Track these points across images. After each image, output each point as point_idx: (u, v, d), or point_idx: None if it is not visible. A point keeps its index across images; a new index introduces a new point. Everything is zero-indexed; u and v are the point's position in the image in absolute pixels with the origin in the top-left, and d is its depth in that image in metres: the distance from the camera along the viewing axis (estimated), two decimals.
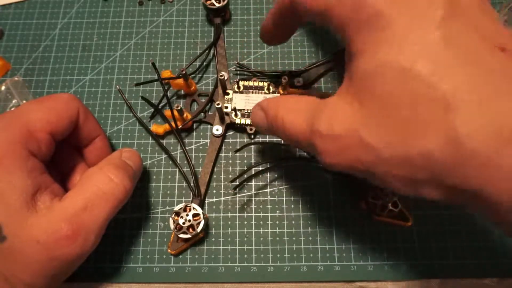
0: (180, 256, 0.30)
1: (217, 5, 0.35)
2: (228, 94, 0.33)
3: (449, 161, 0.14)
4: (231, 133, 0.34)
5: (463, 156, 0.14)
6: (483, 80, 0.14)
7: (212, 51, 0.36)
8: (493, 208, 0.14)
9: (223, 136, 0.33)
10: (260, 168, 0.32)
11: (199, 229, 0.28)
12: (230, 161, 0.33)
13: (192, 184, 0.31)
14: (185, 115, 0.32)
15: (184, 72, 0.31)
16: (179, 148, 0.33)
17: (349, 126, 0.17)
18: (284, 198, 0.31)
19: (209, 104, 0.34)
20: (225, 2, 0.35)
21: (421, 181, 0.16)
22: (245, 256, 0.30)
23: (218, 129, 0.33)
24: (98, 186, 0.24)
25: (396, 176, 0.16)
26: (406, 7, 0.16)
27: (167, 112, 0.32)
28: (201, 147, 0.33)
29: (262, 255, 0.30)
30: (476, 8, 0.16)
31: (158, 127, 0.33)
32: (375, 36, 0.17)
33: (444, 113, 0.14)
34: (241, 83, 0.33)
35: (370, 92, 0.17)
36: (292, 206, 0.31)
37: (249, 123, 0.32)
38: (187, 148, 0.33)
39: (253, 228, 0.31)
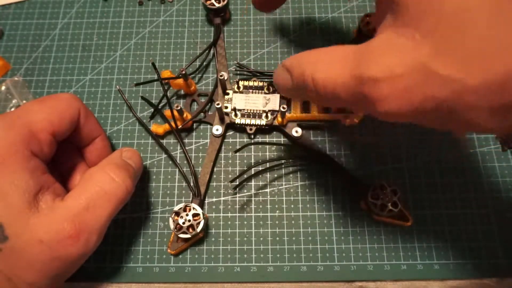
0: (180, 256, 0.30)
1: (217, 5, 0.35)
2: (228, 94, 0.33)
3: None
4: (231, 133, 0.34)
5: None
6: None
7: (212, 51, 0.36)
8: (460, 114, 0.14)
9: (223, 136, 0.33)
10: (260, 168, 0.32)
11: (199, 229, 0.28)
12: (230, 161, 0.33)
13: (192, 184, 0.31)
14: (185, 115, 0.32)
15: (184, 72, 0.31)
16: (179, 148, 0.33)
17: (413, 62, 0.15)
18: (284, 198, 0.31)
19: (209, 104, 0.34)
20: (225, 2, 0.35)
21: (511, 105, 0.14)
22: (245, 256, 0.30)
23: (218, 129, 0.33)
24: (100, 186, 0.24)
25: (484, 105, 0.14)
26: None
27: (167, 112, 0.32)
28: (201, 147, 0.33)
29: (262, 255, 0.30)
30: None
31: (158, 127, 0.33)
32: None
33: None
34: (241, 83, 0.33)
35: (436, 13, 0.14)
36: (292, 206, 0.31)
37: (249, 123, 0.32)
38: (187, 148, 0.33)
39: (253, 228, 0.31)
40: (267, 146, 0.33)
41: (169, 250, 0.30)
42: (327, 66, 0.18)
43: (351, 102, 0.17)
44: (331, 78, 0.17)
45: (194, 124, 0.34)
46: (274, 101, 0.32)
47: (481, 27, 0.13)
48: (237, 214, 0.31)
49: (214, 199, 0.32)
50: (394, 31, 0.16)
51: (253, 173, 0.32)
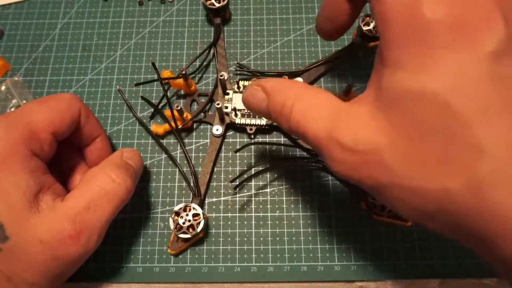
0: (180, 256, 0.30)
1: (217, 5, 0.35)
2: (228, 94, 0.33)
3: (465, 204, 0.14)
4: (231, 133, 0.34)
5: (481, 204, 0.13)
6: None
7: (212, 51, 0.36)
8: (500, 258, 0.14)
9: (223, 136, 0.33)
10: (260, 168, 0.32)
11: (199, 229, 0.28)
12: (230, 161, 0.33)
13: (192, 184, 0.31)
14: (185, 115, 0.32)
15: (184, 72, 0.31)
16: (179, 148, 0.33)
17: (373, 145, 0.16)
18: (284, 198, 0.31)
19: (209, 104, 0.34)
20: (225, 2, 0.35)
21: (429, 214, 0.15)
22: (245, 256, 0.30)
23: (218, 129, 0.33)
24: (100, 186, 0.24)
25: (406, 203, 0.16)
26: (461, 28, 0.15)
27: (167, 112, 0.32)
28: (201, 147, 0.33)
29: (262, 255, 0.30)
30: None
31: (158, 127, 0.33)
32: (425, 53, 0.15)
33: (473, 158, 0.14)
34: (241, 83, 0.33)
35: (403, 115, 0.15)
36: (292, 206, 0.31)
37: (249, 123, 0.32)
38: (187, 148, 0.33)
39: (253, 228, 0.31)
40: (267, 146, 0.33)
41: (169, 250, 0.30)
42: (309, 108, 0.19)
43: (313, 146, 0.19)
44: (309, 122, 0.19)
45: (194, 124, 0.34)
46: None
47: (432, 145, 0.15)
48: (237, 214, 0.31)
49: (214, 199, 0.32)
50: (370, 107, 0.17)
51: (253, 173, 0.32)
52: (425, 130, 0.15)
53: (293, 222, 0.31)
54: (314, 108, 0.19)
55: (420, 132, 0.15)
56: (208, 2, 0.35)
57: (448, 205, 0.14)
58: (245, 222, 0.31)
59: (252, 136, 0.33)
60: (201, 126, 0.34)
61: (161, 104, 0.34)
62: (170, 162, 0.33)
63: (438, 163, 0.14)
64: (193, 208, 0.29)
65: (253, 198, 0.32)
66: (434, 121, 0.14)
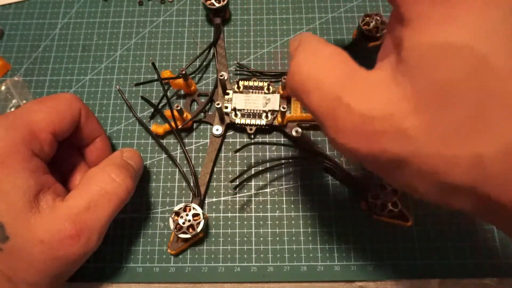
0: (180, 256, 0.30)
1: (217, 5, 0.35)
2: (228, 94, 0.33)
3: (499, 171, 0.12)
4: (231, 133, 0.34)
5: None
6: None
7: (212, 51, 0.36)
8: None
9: (223, 136, 0.33)
10: (260, 168, 0.32)
11: (199, 229, 0.28)
12: (230, 161, 0.33)
13: (192, 184, 0.31)
14: (185, 115, 0.32)
15: (184, 72, 0.31)
16: (179, 148, 0.33)
17: (394, 112, 0.14)
18: (284, 198, 0.31)
19: (209, 104, 0.34)
20: (225, 2, 0.35)
21: (456, 188, 0.14)
22: (245, 256, 0.30)
23: (218, 129, 0.33)
24: (100, 186, 0.24)
25: (429, 178, 0.14)
26: None
27: (167, 112, 0.32)
28: (201, 147, 0.33)
29: (262, 255, 0.30)
30: None
31: (158, 127, 0.33)
32: (447, 5, 0.13)
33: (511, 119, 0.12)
34: (241, 83, 0.33)
35: (430, 75, 0.13)
36: (292, 206, 0.31)
37: (249, 123, 0.32)
38: (187, 148, 0.33)
39: (253, 228, 0.31)
40: (267, 146, 0.33)
41: (169, 250, 0.30)
42: (320, 60, 0.17)
43: (314, 110, 0.16)
44: (312, 77, 0.16)
45: (194, 124, 0.34)
46: (274, 101, 0.32)
47: (464, 107, 0.13)
48: (237, 214, 0.31)
49: (214, 199, 0.32)
50: (393, 73, 0.15)
51: (253, 173, 0.32)
52: (457, 90, 0.13)
53: (293, 222, 0.31)
54: (324, 64, 0.16)
55: (451, 92, 0.13)
56: (208, 2, 0.35)
57: (480, 175, 0.13)
58: (245, 222, 0.31)
59: (252, 136, 0.33)
60: (201, 126, 0.34)
61: (161, 104, 0.34)
62: (170, 162, 0.33)
63: (471, 127, 0.13)
64: (193, 208, 0.29)
65: (253, 198, 0.32)
66: (467, 79, 0.13)
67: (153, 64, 0.31)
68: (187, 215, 0.28)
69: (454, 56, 0.13)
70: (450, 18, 0.13)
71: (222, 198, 0.32)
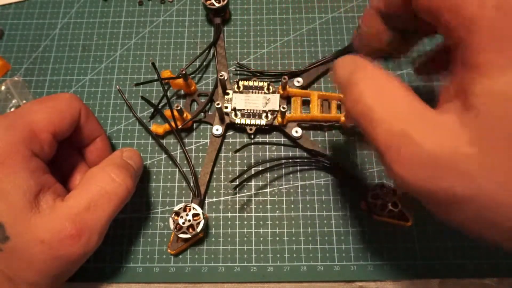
0: (180, 256, 0.30)
1: (217, 5, 0.35)
2: (228, 94, 0.33)
3: None
4: (231, 133, 0.34)
5: None
6: None
7: (212, 51, 0.36)
8: None
9: (223, 136, 0.33)
10: (260, 168, 0.32)
11: (199, 229, 0.28)
12: (230, 161, 0.33)
13: (192, 184, 0.31)
14: (185, 115, 0.32)
15: (184, 72, 0.31)
16: (179, 148, 0.33)
17: (460, 152, 0.14)
18: (284, 198, 0.31)
19: (209, 104, 0.34)
20: (225, 2, 0.35)
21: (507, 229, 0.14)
22: (245, 256, 0.30)
23: (218, 129, 0.33)
24: (101, 186, 0.24)
25: (488, 220, 0.14)
26: None
27: (167, 112, 0.32)
28: (201, 147, 0.33)
29: (262, 255, 0.30)
30: None
31: (158, 127, 0.33)
32: None
33: None
34: (241, 83, 0.33)
35: (501, 125, 0.14)
36: (292, 206, 0.31)
37: (249, 123, 0.32)
38: (187, 148, 0.33)
39: (253, 228, 0.31)
40: (267, 146, 0.33)
41: (169, 250, 0.30)
42: (383, 92, 0.17)
43: (377, 140, 0.16)
44: (378, 109, 0.16)
45: (194, 124, 0.34)
46: (274, 101, 0.32)
47: None
48: (237, 214, 0.31)
49: (214, 199, 0.32)
50: (461, 117, 0.15)
51: (253, 173, 0.32)
52: None
53: (293, 222, 0.31)
54: (390, 96, 0.16)
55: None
56: (208, 2, 0.35)
57: None
58: (245, 222, 0.31)
59: (252, 136, 0.33)
60: (201, 126, 0.34)
61: (161, 104, 0.34)
62: (170, 162, 0.33)
63: None
64: (193, 208, 0.29)
65: (253, 198, 0.32)
66: None
67: (153, 64, 0.31)
68: (187, 215, 0.28)
69: None
70: None
71: (222, 198, 0.32)
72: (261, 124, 0.32)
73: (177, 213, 0.28)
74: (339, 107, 0.33)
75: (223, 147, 0.33)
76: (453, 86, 0.16)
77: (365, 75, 0.18)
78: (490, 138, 0.14)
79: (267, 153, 0.33)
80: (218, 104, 0.31)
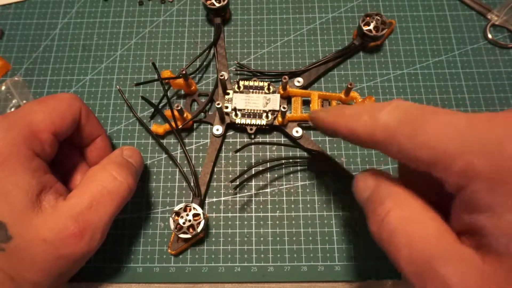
0: (180, 256, 0.30)
1: (217, 5, 0.35)
2: (228, 94, 0.33)
3: None
4: (231, 133, 0.34)
5: None
6: None
7: (212, 51, 0.36)
8: None
9: (223, 136, 0.33)
10: (260, 168, 0.32)
11: (199, 229, 0.28)
12: (230, 161, 0.33)
13: (192, 184, 0.31)
14: (185, 115, 0.32)
15: (184, 72, 0.31)
16: (179, 148, 0.33)
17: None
18: (284, 198, 0.31)
19: (209, 104, 0.34)
20: (225, 2, 0.35)
21: None
22: (245, 256, 0.30)
23: (218, 129, 0.33)
24: (102, 185, 0.24)
25: None
26: None
27: (167, 112, 0.32)
28: (201, 147, 0.33)
29: (262, 255, 0.30)
30: None
31: (158, 127, 0.33)
32: None
33: None
34: (241, 83, 0.33)
35: None
36: (292, 206, 0.31)
37: (250, 123, 0.32)
38: (187, 148, 0.33)
39: (253, 228, 0.31)
40: (267, 146, 0.33)
41: (169, 250, 0.30)
42: (411, 211, 0.16)
43: (405, 269, 0.16)
44: (407, 227, 0.16)
45: (195, 124, 0.34)
46: (274, 101, 0.32)
47: None
48: (237, 214, 0.31)
49: (214, 199, 0.32)
50: (481, 256, 0.14)
51: (253, 173, 0.32)
52: None
53: (293, 222, 0.31)
54: (416, 219, 0.16)
55: None
56: (208, 2, 0.35)
57: None
58: (245, 222, 0.31)
59: (252, 136, 0.33)
60: (201, 126, 0.34)
61: (161, 104, 0.34)
62: (170, 162, 0.33)
63: None
64: (193, 208, 0.29)
65: (253, 198, 0.32)
66: None
67: (153, 64, 0.31)
68: (187, 215, 0.28)
69: None
70: None
71: (222, 198, 0.32)
72: (262, 124, 0.32)
73: (178, 213, 0.28)
74: None
75: (223, 147, 0.33)
76: (459, 223, 0.16)
77: (390, 193, 0.17)
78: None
79: (268, 153, 0.33)
80: (218, 104, 0.31)
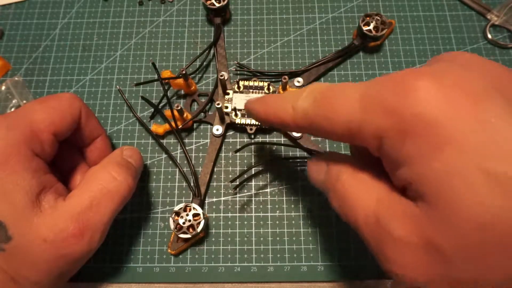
0: (180, 256, 0.30)
1: (217, 5, 0.35)
2: (228, 94, 0.33)
3: None
4: (231, 133, 0.34)
5: None
6: None
7: (212, 51, 0.36)
8: None
9: (223, 136, 0.33)
10: (260, 168, 0.32)
11: (199, 229, 0.28)
12: (230, 161, 0.33)
13: (192, 184, 0.31)
14: (185, 115, 0.32)
15: (184, 72, 0.31)
16: (179, 148, 0.33)
17: (429, 239, 0.14)
18: (284, 198, 0.31)
19: (209, 104, 0.34)
20: (225, 2, 0.35)
21: None
22: (245, 256, 0.30)
23: (218, 129, 0.33)
24: (102, 185, 0.24)
25: None
26: (453, 107, 0.13)
27: (167, 112, 0.32)
28: (201, 147, 0.33)
29: (262, 255, 0.30)
30: None
31: (158, 127, 0.33)
32: (433, 141, 0.13)
33: None
34: (241, 83, 0.33)
35: (454, 204, 0.13)
36: (292, 206, 0.31)
37: (249, 123, 0.32)
38: (187, 148, 0.33)
39: (253, 228, 0.31)
40: (267, 146, 0.33)
41: (169, 250, 0.30)
42: (361, 189, 0.17)
43: (363, 235, 0.17)
44: (357, 203, 0.17)
45: (194, 124, 0.34)
46: None
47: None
48: (237, 214, 0.31)
49: (214, 199, 0.32)
50: (419, 209, 0.15)
51: (253, 173, 0.32)
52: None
53: (293, 222, 0.31)
54: (366, 189, 0.17)
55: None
56: (208, 2, 0.35)
57: None
58: (245, 222, 0.31)
59: (252, 136, 0.33)
60: (201, 126, 0.34)
61: (161, 104, 0.34)
62: (170, 162, 0.33)
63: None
64: (193, 208, 0.29)
65: (253, 198, 0.32)
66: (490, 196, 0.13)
67: (153, 64, 0.31)
68: (187, 215, 0.28)
69: (465, 175, 0.13)
70: (447, 146, 0.13)
71: (222, 198, 0.32)
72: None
73: (177, 213, 0.28)
74: None
75: (223, 147, 0.33)
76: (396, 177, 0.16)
77: (343, 168, 0.19)
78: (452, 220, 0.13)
79: (267, 153, 0.33)
80: (218, 104, 0.31)
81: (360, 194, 0.17)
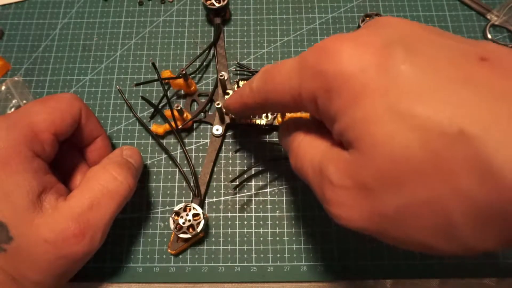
0: (180, 256, 0.30)
1: (217, 5, 0.35)
2: (228, 94, 0.33)
3: (486, 196, 0.12)
4: (231, 133, 0.34)
5: (502, 189, 0.12)
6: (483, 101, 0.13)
7: (212, 51, 0.36)
8: None
9: (223, 136, 0.33)
10: (260, 168, 0.32)
11: (199, 229, 0.28)
12: (230, 161, 0.33)
13: (192, 184, 0.31)
14: (185, 115, 0.32)
15: (184, 72, 0.31)
16: (179, 148, 0.33)
17: (357, 179, 0.16)
18: (284, 198, 0.31)
19: (209, 104, 0.34)
20: (225, 2, 0.35)
21: (456, 223, 0.13)
22: (245, 256, 0.30)
23: (218, 129, 0.33)
24: (102, 185, 0.24)
25: (430, 225, 0.14)
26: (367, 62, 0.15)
27: (167, 112, 0.32)
28: (201, 147, 0.33)
29: (262, 255, 0.30)
30: (430, 39, 0.15)
31: (158, 127, 0.33)
32: (352, 92, 0.15)
33: (475, 151, 0.12)
34: (241, 83, 0.33)
35: (370, 137, 0.15)
36: (292, 206, 0.31)
37: (249, 123, 0.32)
38: (187, 148, 0.33)
39: (253, 228, 0.31)
40: (267, 146, 0.33)
41: (169, 250, 0.30)
42: (311, 144, 0.20)
43: (317, 192, 0.18)
44: (307, 157, 0.19)
45: (194, 124, 0.34)
46: None
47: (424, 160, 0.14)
48: (237, 214, 0.31)
49: (214, 199, 0.32)
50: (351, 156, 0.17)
51: (253, 173, 0.32)
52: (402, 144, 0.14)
53: (293, 222, 0.31)
54: (314, 143, 0.19)
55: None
56: (208, 2, 0.35)
57: (473, 205, 0.13)
58: (245, 222, 0.31)
59: (252, 136, 0.33)
60: (201, 126, 0.34)
61: (161, 104, 0.34)
62: (170, 162, 0.33)
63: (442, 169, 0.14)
64: (193, 208, 0.29)
65: (253, 198, 0.32)
66: (403, 132, 0.14)
67: (153, 64, 0.31)
68: (187, 215, 0.28)
69: (382, 115, 0.14)
70: (367, 94, 0.15)
71: (222, 198, 0.32)
72: (261, 124, 0.32)
73: (177, 213, 0.28)
74: None
75: (223, 147, 0.33)
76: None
77: (301, 130, 0.21)
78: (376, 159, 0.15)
79: (267, 153, 0.33)
80: (218, 104, 0.31)
81: (309, 150, 0.19)
